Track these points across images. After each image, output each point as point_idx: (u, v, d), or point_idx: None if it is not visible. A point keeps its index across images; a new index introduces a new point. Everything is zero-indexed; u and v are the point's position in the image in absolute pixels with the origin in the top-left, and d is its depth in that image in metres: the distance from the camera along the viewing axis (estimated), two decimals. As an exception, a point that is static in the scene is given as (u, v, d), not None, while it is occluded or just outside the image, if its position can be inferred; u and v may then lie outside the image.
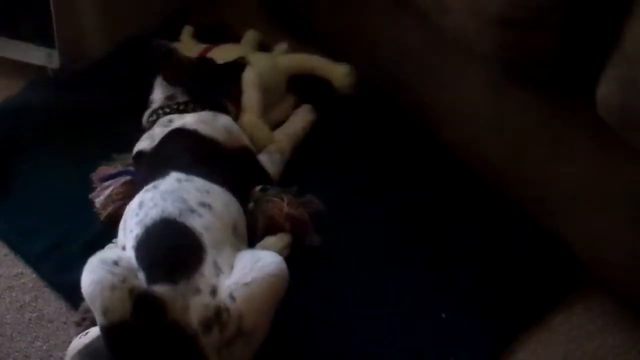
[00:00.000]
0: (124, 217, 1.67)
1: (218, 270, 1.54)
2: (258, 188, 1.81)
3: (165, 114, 1.85)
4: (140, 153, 1.82)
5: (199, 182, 1.67)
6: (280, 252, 1.70)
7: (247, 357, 1.53)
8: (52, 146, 2.00)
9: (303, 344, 1.67)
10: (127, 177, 1.84)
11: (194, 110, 1.85)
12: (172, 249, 1.56)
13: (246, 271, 1.52)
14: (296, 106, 2.05)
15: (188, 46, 2.11)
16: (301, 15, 2.17)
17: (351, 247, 1.83)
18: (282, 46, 2.14)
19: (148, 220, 1.59)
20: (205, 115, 1.84)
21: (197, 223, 1.59)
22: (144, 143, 1.83)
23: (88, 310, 1.63)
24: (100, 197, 1.84)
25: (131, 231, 1.60)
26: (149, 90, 1.94)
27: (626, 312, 1.73)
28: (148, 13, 1.96)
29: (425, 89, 1.90)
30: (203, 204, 1.62)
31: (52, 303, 1.75)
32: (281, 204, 1.78)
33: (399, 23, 1.88)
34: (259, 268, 1.52)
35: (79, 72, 2.10)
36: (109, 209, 1.82)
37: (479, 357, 1.69)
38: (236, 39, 2.16)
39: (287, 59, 2.11)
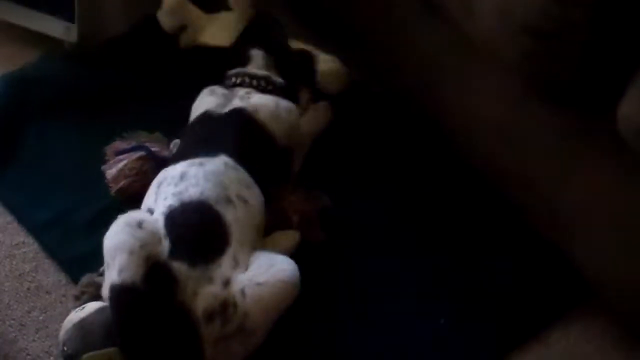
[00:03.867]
0: (157, 180, 1.67)
1: (235, 264, 1.55)
2: None
3: (251, 85, 1.86)
4: (206, 112, 1.81)
5: (243, 175, 1.69)
6: (289, 251, 1.70)
7: (241, 355, 1.54)
8: (62, 120, 1.99)
9: (298, 343, 1.65)
10: (142, 152, 1.83)
11: (275, 92, 1.86)
12: (200, 233, 1.58)
13: (261, 271, 1.54)
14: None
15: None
16: (323, 12, 2.17)
17: (353, 246, 1.82)
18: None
19: (186, 197, 1.60)
20: (281, 106, 1.84)
21: (230, 214, 1.60)
22: (213, 101, 1.83)
23: (88, 285, 1.64)
24: (112, 170, 1.82)
25: (165, 199, 1.61)
26: (163, 72, 1.91)
27: (625, 335, 1.72)
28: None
29: (444, 94, 1.90)
30: (240, 197, 1.64)
31: (51, 275, 1.73)
32: (291, 198, 1.78)
33: (423, 25, 1.88)
34: (274, 272, 1.54)
35: (95, 48, 2.09)
36: (121, 183, 1.80)
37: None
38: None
39: None
